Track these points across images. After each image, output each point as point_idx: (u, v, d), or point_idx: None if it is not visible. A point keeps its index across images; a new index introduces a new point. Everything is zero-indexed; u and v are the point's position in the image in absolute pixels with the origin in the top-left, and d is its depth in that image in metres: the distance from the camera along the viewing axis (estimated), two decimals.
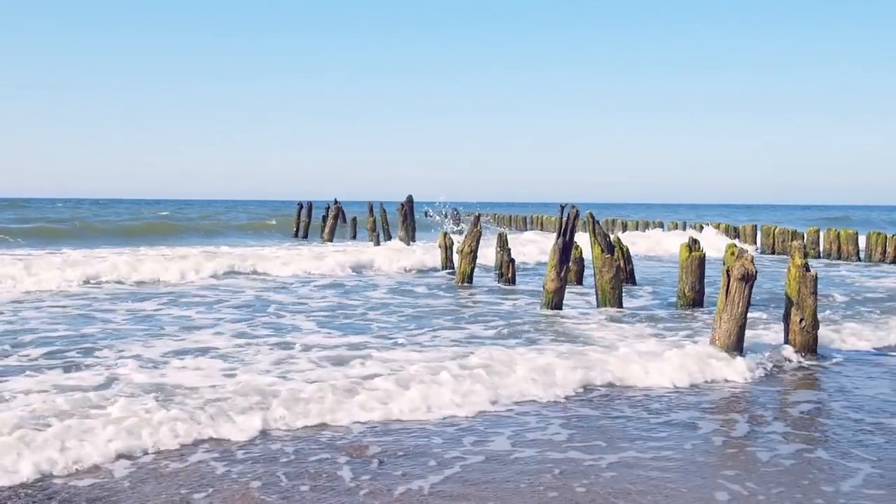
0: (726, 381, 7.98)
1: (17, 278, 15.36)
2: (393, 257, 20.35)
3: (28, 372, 7.78)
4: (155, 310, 12.47)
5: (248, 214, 59.55)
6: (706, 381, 7.92)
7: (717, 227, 33.34)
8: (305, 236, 36.19)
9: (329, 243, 29.98)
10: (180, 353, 8.83)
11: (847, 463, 5.53)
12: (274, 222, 43.33)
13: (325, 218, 33.13)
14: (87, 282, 15.82)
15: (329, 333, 10.35)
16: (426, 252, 20.96)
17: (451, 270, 18.25)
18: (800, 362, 8.80)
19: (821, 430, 6.36)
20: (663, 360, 8.22)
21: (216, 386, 7.16)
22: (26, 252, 23.79)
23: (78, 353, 8.85)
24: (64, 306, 12.68)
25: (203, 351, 9.02)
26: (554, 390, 7.36)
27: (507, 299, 14.03)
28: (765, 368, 8.40)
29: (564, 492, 4.91)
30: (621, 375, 7.89)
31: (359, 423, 6.33)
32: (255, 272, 18.29)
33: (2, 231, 32.54)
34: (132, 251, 23.74)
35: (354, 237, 34.48)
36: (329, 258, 19.84)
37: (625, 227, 37.93)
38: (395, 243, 26.29)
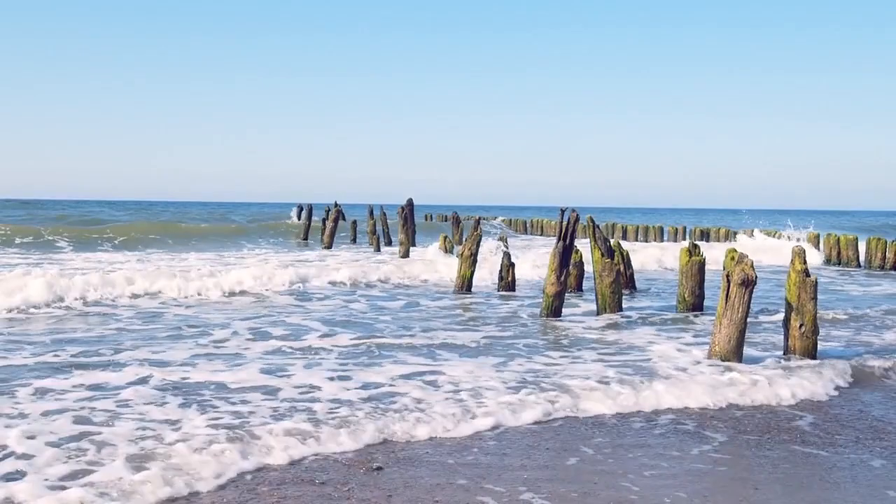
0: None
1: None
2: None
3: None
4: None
5: (251, 217, 59.55)
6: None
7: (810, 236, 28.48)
8: (305, 238, 36.19)
9: (328, 249, 29.83)
10: None
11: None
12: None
13: (325, 221, 33.03)
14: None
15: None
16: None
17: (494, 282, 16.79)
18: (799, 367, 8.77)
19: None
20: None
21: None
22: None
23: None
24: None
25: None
26: None
27: (508, 304, 14.03)
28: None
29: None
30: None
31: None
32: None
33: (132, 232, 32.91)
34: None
35: (354, 240, 34.46)
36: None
37: (624, 233, 37.96)
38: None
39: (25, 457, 5.30)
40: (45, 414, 6.37)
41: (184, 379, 7.71)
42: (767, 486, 5.13)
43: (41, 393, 7.06)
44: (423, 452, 5.76)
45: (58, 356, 8.72)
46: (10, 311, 12.04)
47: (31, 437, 5.72)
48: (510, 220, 55.14)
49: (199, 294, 14.51)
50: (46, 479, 4.89)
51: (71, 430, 5.95)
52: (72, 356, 8.73)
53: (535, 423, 6.56)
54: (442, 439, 6.09)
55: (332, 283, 16.96)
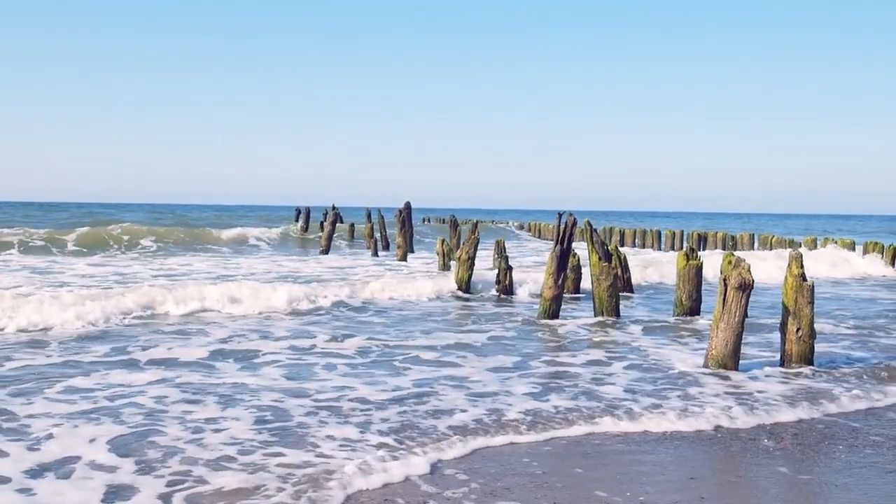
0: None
1: None
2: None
3: None
4: None
5: (257, 219, 59.30)
6: None
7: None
8: (305, 229, 36.23)
9: (325, 253, 29.69)
10: None
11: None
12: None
13: (322, 224, 33.05)
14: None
15: None
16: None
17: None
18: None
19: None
20: None
21: None
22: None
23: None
24: None
25: None
26: None
27: (506, 307, 14.00)
28: None
29: None
30: None
31: None
32: None
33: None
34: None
35: (353, 237, 34.42)
36: None
37: (622, 236, 37.94)
38: None
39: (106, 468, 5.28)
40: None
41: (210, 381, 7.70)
42: None
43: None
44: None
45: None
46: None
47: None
48: (529, 224, 54.95)
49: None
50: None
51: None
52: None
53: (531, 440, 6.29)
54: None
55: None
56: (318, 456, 5.56)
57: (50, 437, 5.89)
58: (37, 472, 5.16)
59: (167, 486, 4.97)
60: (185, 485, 4.99)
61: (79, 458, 5.46)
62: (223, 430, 6.14)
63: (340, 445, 5.79)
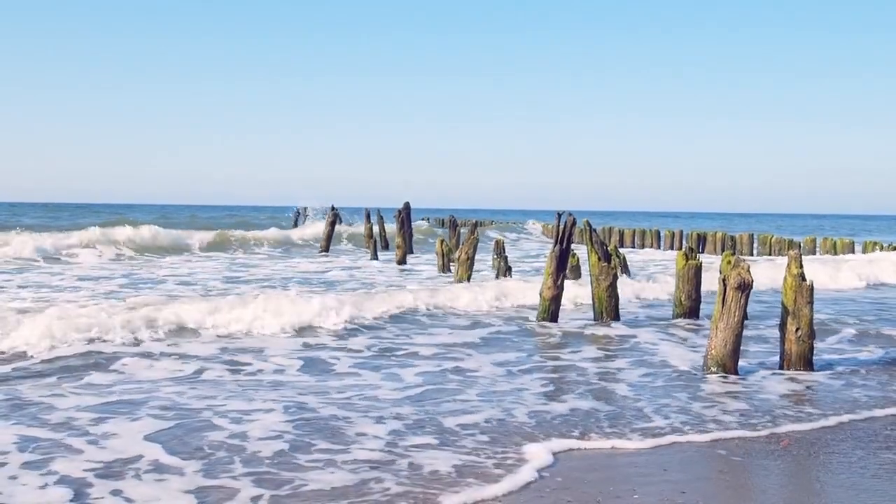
0: None
1: None
2: None
3: None
4: None
5: (265, 220, 59.09)
6: None
7: None
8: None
9: (325, 254, 29.70)
10: None
11: None
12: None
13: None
14: None
15: None
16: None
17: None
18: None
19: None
20: None
21: None
22: None
23: None
24: None
25: None
26: None
27: (506, 307, 14.01)
28: None
29: None
30: None
31: None
32: None
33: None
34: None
35: (352, 236, 34.43)
36: None
37: (621, 237, 37.96)
38: None
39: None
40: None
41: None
42: None
43: None
44: None
45: None
46: None
47: None
48: (545, 224, 54.36)
49: None
50: None
51: None
52: None
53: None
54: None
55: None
56: (399, 456, 5.58)
57: (106, 434, 5.87)
58: (110, 473, 5.11)
59: (254, 485, 4.93)
60: (287, 486, 4.94)
61: (140, 456, 5.42)
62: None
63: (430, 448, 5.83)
